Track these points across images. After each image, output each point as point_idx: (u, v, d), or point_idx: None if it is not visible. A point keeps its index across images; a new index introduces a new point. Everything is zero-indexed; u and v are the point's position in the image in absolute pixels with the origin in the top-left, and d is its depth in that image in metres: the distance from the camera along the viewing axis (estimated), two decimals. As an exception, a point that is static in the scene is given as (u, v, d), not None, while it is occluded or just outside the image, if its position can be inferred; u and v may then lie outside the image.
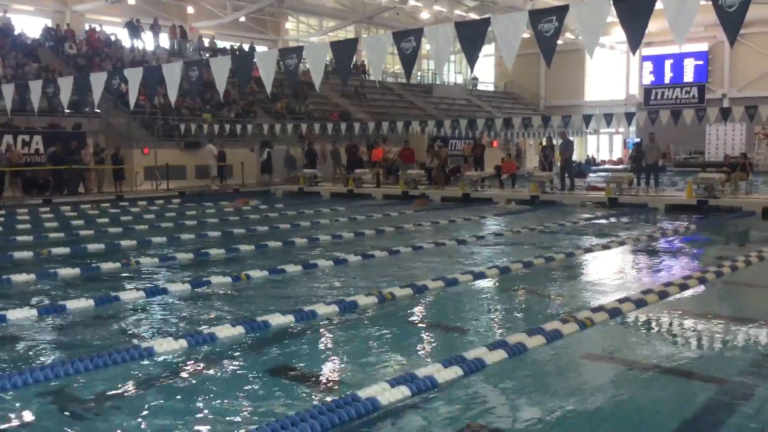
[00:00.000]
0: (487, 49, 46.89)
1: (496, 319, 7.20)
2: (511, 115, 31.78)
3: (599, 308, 7.00)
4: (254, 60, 10.30)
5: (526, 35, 9.40)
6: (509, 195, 21.43)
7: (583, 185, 23.67)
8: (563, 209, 18.48)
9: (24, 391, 4.84)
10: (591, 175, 31.45)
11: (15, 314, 6.85)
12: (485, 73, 54.67)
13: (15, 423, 4.43)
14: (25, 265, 9.88)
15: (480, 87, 53.74)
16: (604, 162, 46.99)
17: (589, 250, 11.28)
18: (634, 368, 5.44)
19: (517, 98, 53.45)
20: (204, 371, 5.42)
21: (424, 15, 45.68)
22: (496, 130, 30.28)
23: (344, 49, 9.50)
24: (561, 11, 7.31)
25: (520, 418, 4.44)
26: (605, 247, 11.58)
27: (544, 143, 25.33)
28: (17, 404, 4.68)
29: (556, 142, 27.00)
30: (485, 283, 8.84)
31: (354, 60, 37.07)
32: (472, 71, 50.35)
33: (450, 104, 46.11)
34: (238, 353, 5.84)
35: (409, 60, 8.44)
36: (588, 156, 47.54)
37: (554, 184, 22.44)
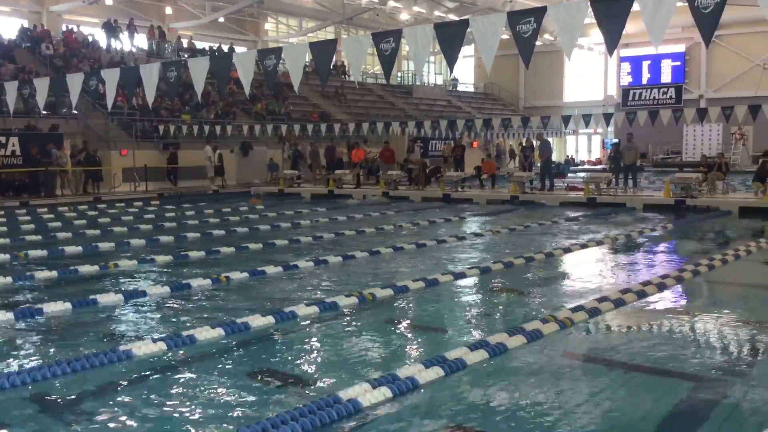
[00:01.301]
0: (467, 50, 47.11)
1: (476, 320, 7.22)
2: (491, 116, 31.91)
3: (579, 308, 7.05)
4: (233, 61, 10.25)
5: (505, 37, 9.45)
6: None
7: (563, 185, 23.82)
8: (543, 209, 18.58)
9: (2, 395, 4.78)
10: (570, 175, 31.66)
11: (-9, 318, 6.76)
12: (465, 74, 54.85)
13: (-9, 428, 4.38)
14: (1, 268, 9.75)
15: (460, 88, 53.92)
16: (582, 162, 47.33)
17: (568, 249, 11.35)
18: (613, 367, 5.48)
19: (496, 99, 53.69)
20: (183, 374, 5.38)
21: (404, 16, 45.74)
22: (476, 130, 30.39)
23: (323, 50, 9.48)
24: (539, 12, 7.36)
25: (500, 418, 4.45)
26: (584, 246, 11.67)
27: (524, 144, 25.45)
28: (-7, 409, 4.62)
29: (536, 143, 27.15)
30: (466, 284, 8.86)
31: (334, 61, 37.07)
32: (451, 72, 50.52)
33: (430, 105, 46.22)
34: (218, 355, 5.81)
35: (388, 61, 8.45)
36: (567, 156, 47.84)
37: (534, 185, 22.56)
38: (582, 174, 30.93)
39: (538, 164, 23.46)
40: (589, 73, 50.41)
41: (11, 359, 5.73)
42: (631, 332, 6.63)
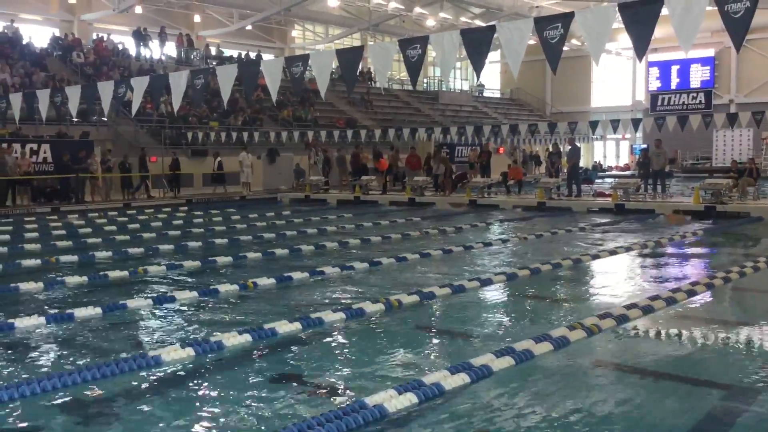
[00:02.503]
0: (493, 56, 46.98)
1: (503, 326, 7.19)
2: (517, 122, 31.79)
3: (607, 314, 6.98)
4: (260, 68, 10.34)
5: (531, 42, 9.42)
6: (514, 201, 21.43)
7: (590, 191, 23.64)
8: (570, 216, 18.44)
9: (33, 400, 4.85)
10: (598, 181, 31.42)
11: (23, 322, 6.87)
12: (491, 79, 54.75)
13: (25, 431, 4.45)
14: (33, 273, 9.91)
15: (486, 94, 53.83)
16: (610, 168, 46.93)
17: (596, 256, 11.26)
18: (641, 375, 5.42)
19: (523, 105, 53.51)
20: (211, 379, 5.42)
21: (430, 22, 45.81)
22: (502, 136, 30.31)
23: (350, 57, 9.54)
24: (566, 18, 7.33)
25: (527, 425, 4.43)
26: (612, 253, 11.56)
27: (551, 150, 25.32)
28: (26, 413, 4.69)
29: (563, 148, 27.00)
30: (492, 290, 8.83)
31: (360, 67, 37.20)
32: (478, 78, 50.39)
33: (456, 111, 46.20)
34: (245, 361, 5.85)
35: (414, 67, 8.46)
36: (595, 162, 47.48)
37: (561, 191, 22.42)
38: (610, 180, 30.66)
39: (565, 170, 23.31)
40: (617, 78, 50.04)
41: (42, 364, 5.82)
42: (660, 340, 6.55)
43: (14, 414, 4.68)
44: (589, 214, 18.68)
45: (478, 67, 8.14)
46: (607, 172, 42.33)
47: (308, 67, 10.29)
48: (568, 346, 6.04)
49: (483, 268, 10.31)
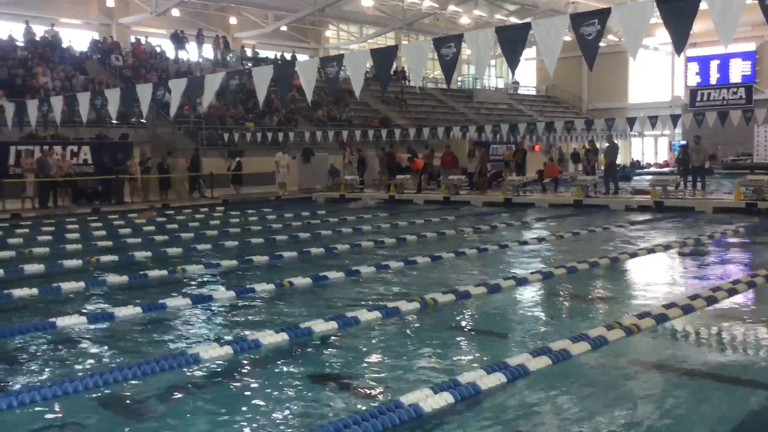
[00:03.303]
0: (529, 53, 46.61)
1: (539, 325, 7.13)
2: (553, 119, 31.50)
3: (646, 314, 6.89)
4: (295, 69, 10.40)
5: (567, 38, 9.32)
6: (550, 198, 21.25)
7: (628, 189, 23.34)
8: (608, 213, 18.23)
9: (74, 398, 4.95)
10: (636, 178, 31.00)
11: (65, 321, 7.01)
12: (527, 76, 54.33)
13: (66, 429, 4.54)
14: (74, 273, 10.10)
15: (521, 91, 53.45)
16: (649, 165, 46.27)
17: (634, 254, 11.11)
18: (681, 375, 5.34)
19: (559, 102, 53.03)
20: (248, 377, 5.48)
21: (464, 20, 45.64)
22: (537, 134, 30.07)
23: (384, 56, 9.54)
24: (603, 14, 7.23)
25: (563, 425, 4.39)
26: (651, 251, 11.40)
27: (587, 147, 25.06)
28: (68, 410, 4.79)
29: (600, 145, 26.70)
30: (528, 289, 8.77)
31: (394, 66, 37.23)
32: (513, 76, 50.07)
33: (491, 109, 45.94)
34: (281, 359, 5.90)
35: (449, 66, 8.44)
36: (633, 159, 46.86)
37: (598, 188, 22.17)
38: (648, 177, 30.23)
39: (602, 167, 23.05)
40: (655, 74, 49.28)
41: (83, 362, 5.92)
42: (701, 339, 6.45)
43: (57, 411, 4.78)
44: (627, 212, 18.44)
45: (513, 64, 8.08)
46: (645, 170, 41.73)
47: (343, 67, 10.33)
48: (606, 346, 5.97)
49: (519, 267, 10.25)
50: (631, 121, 25.68)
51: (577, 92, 53.10)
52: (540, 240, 13.20)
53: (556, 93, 53.33)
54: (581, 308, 7.86)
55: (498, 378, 5.11)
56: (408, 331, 6.80)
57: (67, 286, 8.90)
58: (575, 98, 53.17)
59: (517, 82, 52.98)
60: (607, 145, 22.89)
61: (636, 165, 43.01)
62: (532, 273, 9.45)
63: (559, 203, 20.69)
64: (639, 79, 50.46)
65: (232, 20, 41.80)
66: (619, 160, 26.59)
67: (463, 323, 7.25)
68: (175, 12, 37.36)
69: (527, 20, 8.51)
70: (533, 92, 54.66)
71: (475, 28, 39.14)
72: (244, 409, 4.79)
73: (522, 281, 8.96)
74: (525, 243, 12.70)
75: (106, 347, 6.41)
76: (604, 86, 50.70)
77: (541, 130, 28.51)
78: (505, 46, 7.97)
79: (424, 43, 9.24)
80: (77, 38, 33.54)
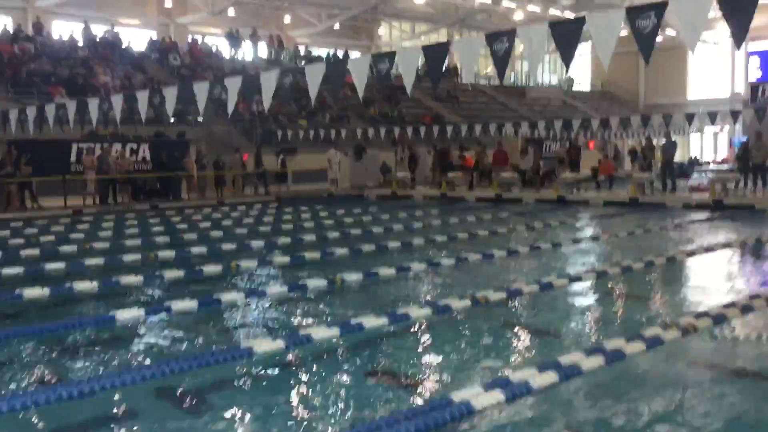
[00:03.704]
0: (583, 48, 45.91)
1: (592, 325, 7.04)
2: (608, 116, 30.93)
3: (703, 314, 6.73)
4: (347, 66, 10.45)
5: (623, 33, 9.16)
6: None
7: (686, 187, 22.80)
8: (665, 211, 17.85)
9: (132, 388, 5.09)
10: (694, 175, 30.26)
11: (124, 314, 7.19)
12: (581, 72, 53.49)
13: (125, 418, 4.68)
14: (133, 267, 10.36)
15: (576, 87, 52.64)
16: (708, 162, 45.09)
17: (691, 253, 10.86)
18: (740, 376, 5.21)
19: (614, 98, 52.08)
20: (301, 371, 5.55)
21: (518, 16, 45.16)
22: (592, 130, 29.58)
23: (436, 53, 9.51)
24: (659, 7, 7.06)
25: (616, 427, 4.32)
26: (709, 250, 11.12)
27: (644, 143, 24.57)
28: (126, 400, 4.93)
29: (658, 142, 26.15)
30: (581, 287, 8.65)
31: (446, 63, 37.12)
32: (567, 72, 49.37)
33: (545, 105, 45.41)
34: (333, 354, 5.96)
35: (502, 62, 8.37)
36: (691, 156, 45.72)
37: (655, 186, 21.73)
38: (707, 174, 29.48)
39: (659, 164, 22.58)
40: (714, 69, 47.98)
41: (141, 354, 6.09)
42: (761, 340, 6.27)
43: (115, 400, 4.92)
44: (685, 210, 18.03)
45: (567, 60, 7.97)
46: (704, 167, 40.68)
47: (395, 65, 10.34)
48: (661, 346, 5.85)
49: (572, 266, 10.13)
50: (690, 117, 25.08)
51: (634, 88, 52.06)
52: (594, 238, 13.01)
53: (612, 89, 52.37)
54: (636, 308, 7.72)
55: (550, 377, 5.05)
56: (459, 329, 6.79)
57: (126, 279, 9.14)
58: (632, 94, 52.13)
59: (572, 79, 52.20)
60: (664, 141, 22.38)
61: (694, 162, 41.95)
62: (585, 271, 9.32)
63: (614, 201, 20.33)
64: (698, 75, 49.21)
65: (286, 19, 42.26)
66: (677, 158, 26.00)
67: (515, 321, 7.21)
68: (231, 11, 37.96)
69: (582, 14, 8.36)
70: (588, 89, 53.78)
71: (529, 24, 38.74)
72: (295, 402, 4.86)
73: (575, 279, 8.84)
74: (578, 241, 12.53)
75: (162, 339, 6.57)
76: (662, 82, 49.59)
77: (596, 127, 28.03)
78: (559, 42, 7.86)
79: (477, 39, 9.19)
80: (136, 38, 34.35)
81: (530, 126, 28.66)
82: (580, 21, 8.06)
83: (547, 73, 53.39)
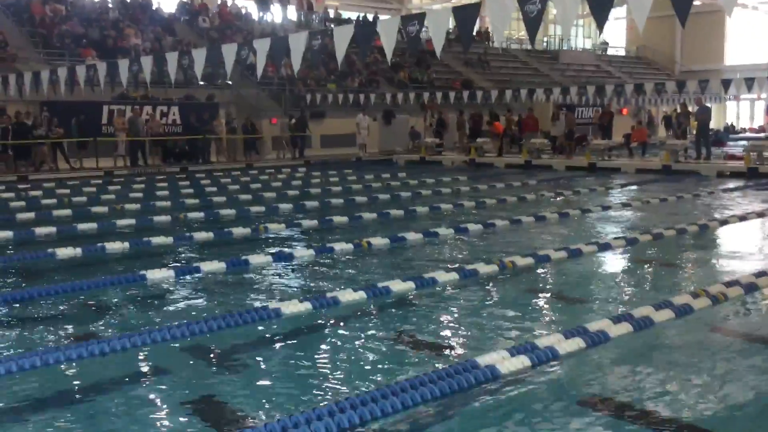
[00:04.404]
0: (618, 12, 44.91)
1: (621, 292, 6.98)
2: (642, 81, 30.35)
3: (734, 282, 6.64)
4: (377, 29, 10.32)
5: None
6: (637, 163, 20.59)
7: (721, 154, 22.38)
8: (698, 179, 17.56)
9: (163, 346, 5.17)
10: (729, 143, 29.69)
11: (154, 274, 7.30)
12: (616, 37, 52.38)
13: (155, 374, 4.77)
14: (163, 228, 10.48)
15: (610, 52, 51.60)
16: (744, 130, 44.15)
17: (724, 222, 10.68)
18: (770, 347, 5.14)
19: (650, 63, 50.99)
20: (326, 333, 5.60)
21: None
22: (626, 96, 29.06)
23: (466, 15, 9.33)
24: (698, -32, 6.86)
25: (643, 393, 4.30)
26: (742, 219, 10.93)
27: (678, 110, 24.10)
28: (157, 358, 5.02)
29: (692, 108, 25.65)
30: (611, 255, 8.57)
31: (477, 27, 36.54)
32: (600, 35, 48.38)
33: (578, 71, 44.60)
34: (359, 317, 5.99)
35: (533, 24, 8.20)
36: (727, 123, 44.81)
37: (688, 153, 21.36)
38: (743, 142, 28.90)
39: (694, 131, 22.16)
40: (753, 35, 46.70)
41: (171, 313, 6.18)
42: (793, 311, 6.17)
43: (146, 357, 5.01)
44: (719, 179, 17.72)
45: (601, 22, 7.78)
46: (740, 134, 39.86)
47: (425, 28, 10.19)
48: (691, 314, 5.80)
49: (601, 233, 10.03)
50: (726, 83, 24.51)
51: (670, 53, 50.91)
52: (625, 206, 12.86)
53: (647, 54, 51.26)
54: (666, 275, 7.65)
55: (577, 343, 5.03)
56: (486, 293, 6.78)
57: (157, 240, 9.26)
58: (668, 59, 51.01)
59: (606, 43, 51.16)
60: (698, 108, 21.94)
61: (730, 129, 41.13)
62: (615, 238, 9.23)
63: (646, 168, 20.04)
64: (736, 40, 47.95)
65: (316, -19, 41.83)
66: (712, 124, 25.49)
67: (542, 287, 7.17)
68: (260, -27, 37.64)
69: (617, -24, 8.14)
70: (623, 53, 52.70)
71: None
72: (321, 363, 4.90)
73: (604, 247, 8.76)
74: (608, 208, 12.40)
75: (192, 299, 6.66)
76: (698, 47, 48.41)
77: (630, 93, 27.53)
78: (593, 3, 7.67)
79: (508, 0, 9.00)
80: (166, 0, 34.30)
81: (562, 92, 28.23)
82: (615, -18, 7.86)
83: (581, 38, 52.38)
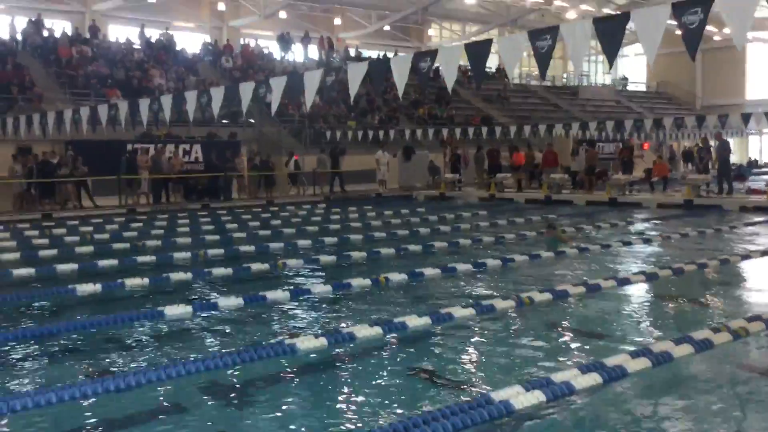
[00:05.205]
0: (637, 48, 45.03)
1: (639, 327, 6.91)
2: (662, 116, 30.29)
3: (756, 317, 6.54)
4: (389, 65, 10.41)
5: (678, 32, 8.94)
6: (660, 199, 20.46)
7: (743, 189, 22.18)
8: (720, 214, 17.39)
9: (178, 382, 5.19)
10: (752, 177, 29.42)
11: (172, 310, 7.34)
12: (636, 72, 52.48)
13: (171, 410, 4.78)
14: (183, 265, 10.56)
15: (631, 87, 51.66)
16: (767, 164, 43.77)
17: (746, 256, 10.55)
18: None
19: (671, 98, 50.96)
20: (342, 369, 5.58)
21: (571, 15, 44.55)
22: (645, 131, 28.99)
23: (478, 50, 9.41)
24: (705, 2, 6.86)
25: (659, 428, 4.23)
26: (765, 253, 10.79)
27: (700, 144, 23.99)
28: (172, 394, 5.03)
29: (713, 143, 25.53)
30: (630, 290, 8.49)
31: (498, 64, 36.80)
32: (611, 68, 48.50)
33: (598, 106, 44.68)
34: (375, 352, 5.98)
35: (544, 58, 8.24)
36: (750, 158, 44.47)
37: (710, 188, 21.19)
38: (765, 176, 28.62)
39: (716, 166, 22.02)
40: (774, 68, 46.57)
41: (188, 349, 6.20)
42: (817, 346, 6.06)
43: (162, 394, 5.02)
44: (742, 213, 17.53)
45: (611, 57, 7.80)
46: (762, 169, 39.51)
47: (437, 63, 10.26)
48: (711, 349, 5.71)
49: (621, 268, 9.94)
50: (746, 118, 24.38)
51: (691, 89, 50.85)
52: (646, 241, 12.75)
53: (667, 90, 51.26)
54: (686, 310, 7.56)
55: (593, 378, 4.98)
56: (503, 329, 6.74)
57: (176, 276, 9.33)
58: (688, 95, 50.94)
59: (626, 79, 51.26)
60: (717, 142, 21.83)
61: (753, 164, 40.80)
62: (634, 273, 9.15)
63: (668, 203, 19.89)
64: (757, 74, 47.80)
65: (337, 21, 42.53)
66: (734, 159, 25.31)
67: (560, 322, 7.11)
68: (283, 14, 38.41)
69: (627, 10, 8.17)
70: (644, 89, 52.72)
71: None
72: (337, 398, 4.89)
73: (624, 282, 8.69)
74: (629, 243, 12.30)
75: (208, 335, 6.69)
76: (719, 82, 48.34)
77: (649, 127, 27.47)
78: (603, 38, 7.70)
79: (520, 36, 9.06)
80: (190, 41, 35.01)
81: (581, 127, 28.24)
82: (624, 16, 7.88)
83: (600, 74, 52.53)
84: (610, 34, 7.64)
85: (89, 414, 4.68)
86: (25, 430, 4.38)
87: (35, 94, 24.31)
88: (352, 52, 39.75)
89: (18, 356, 6.00)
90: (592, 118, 35.29)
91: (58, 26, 30.74)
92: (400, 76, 10.01)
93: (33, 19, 29.26)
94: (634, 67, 52.21)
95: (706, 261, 9.95)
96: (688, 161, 33.92)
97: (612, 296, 8.16)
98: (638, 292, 8.48)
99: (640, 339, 6.28)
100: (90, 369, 5.63)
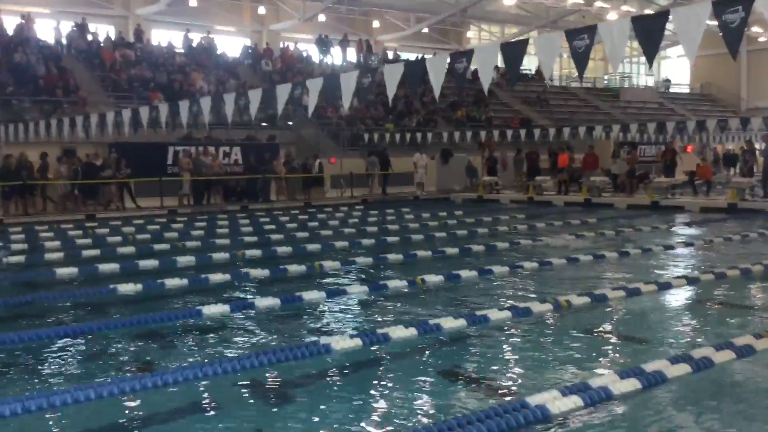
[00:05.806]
0: (681, 50, 44.25)
1: (679, 332, 6.78)
2: (706, 118, 29.70)
3: (801, 324, 6.38)
4: (425, 66, 10.38)
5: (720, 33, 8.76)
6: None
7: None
8: (764, 219, 16.99)
9: (216, 380, 5.24)
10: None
11: (210, 309, 7.44)
12: (680, 74, 51.57)
13: (208, 407, 4.84)
14: (222, 266, 10.67)
15: (674, 90, 50.76)
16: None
17: (792, 261, 10.29)
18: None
19: (715, 100, 49.92)
20: (377, 369, 5.59)
21: (612, 17, 43.93)
22: (688, 133, 28.46)
23: (514, 50, 9.32)
24: (746, 1, 6.68)
25: (701, 435, 4.15)
26: (812, 259, 10.51)
27: (744, 147, 23.49)
28: (210, 392, 5.09)
29: (759, 146, 24.99)
30: (671, 294, 8.34)
31: (537, 65, 36.46)
32: (650, 68, 47.60)
33: (640, 108, 43.97)
34: (410, 353, 5.97)
35: (582, 58, 8.14)
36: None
37: (755, 191, 20.72)
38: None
39: (761, 169, 21.53)
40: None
41: (225, 348, 6.27)
42: None
43: (199, 391, 5.09)
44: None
45: (650, 56, 7.66)
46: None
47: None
48: (753, 355, 5.58)
49: (662, 272, 9.78)
50: (793, 120, 23.79)
51: (735, 91, 49.76)
52: (687, 245, 12.52)
53: (711, 91, 50.23)
54: (728, 316, 7.39)
55: (632, 384, 4.90)
56: (539, 332, 6.67)
57: (215, 277, 9.44)
58: (733, 97, 49.85)
59: (669, 80, 50.40)
60: (764, 145, 21.33)
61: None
62: (675, 278, 8.99)
63: (711, 207, 19.50)
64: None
65: (375, 24, 42.60)
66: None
67: (598, 326, 7.01)
68: (322, 17, 38.64)
69: (666, 9, 8.02)
70: (687, 90, 51.77)
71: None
72: (369, 399, 4.89)
73: (664, 286, 8.54)
74: (670, 247, 12.09)
75: (245, 335, 6.75)
76: (764, 84, 47.19)
77: (692, 130, 26.96)
78: (642, 37, 7.56)
79: (556, 35, 8.95)
80: (231, 45, 35.39)
81: (621, 129, 27.83)
82: (663, 15, 7.73)
83: (643, 75, 51.73)
84: (649, 34, 7.51)
85: (128, 410, 4.76)
86: (66, 425, 4.47)
87: (79, 97, 24.81)
88: (391, 55, 39.77)
89: (61, 353, 6.13)
90: (633, 120, 34.75)
91: (102, 30, 31.33)
92: (437, 78, 9.96)
93: (77, 24, 29.87)
94: (678, 69, 51.34)
95: (749, 266, 9.72)
96: (729, 165, 33.07)
97: (652, 301, 8.03)
98: (679, 296, 8.33)
99: (681, 344, 6.17)
100: (130, 366, 5.72)
